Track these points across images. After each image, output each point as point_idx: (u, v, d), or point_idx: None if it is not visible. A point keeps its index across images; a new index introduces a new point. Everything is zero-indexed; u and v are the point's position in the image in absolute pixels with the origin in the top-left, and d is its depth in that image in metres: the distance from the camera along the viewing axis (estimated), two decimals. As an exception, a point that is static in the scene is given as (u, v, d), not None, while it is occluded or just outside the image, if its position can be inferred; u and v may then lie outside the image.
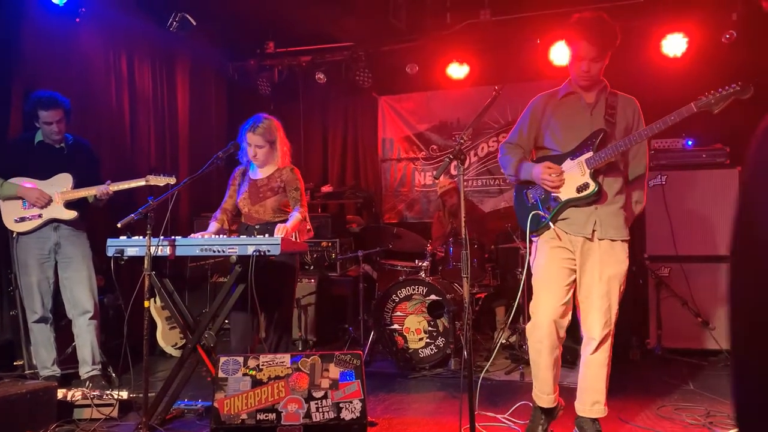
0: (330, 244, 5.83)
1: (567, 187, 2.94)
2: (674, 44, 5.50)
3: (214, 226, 3.75)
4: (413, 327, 4.74)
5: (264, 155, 3.72)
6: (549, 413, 3.12)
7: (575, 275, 2.99)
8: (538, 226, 3.03)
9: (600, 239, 2.93)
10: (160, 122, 5.98)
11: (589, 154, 2.90)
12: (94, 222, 4.21)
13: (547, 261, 3.00)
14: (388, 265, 5.36)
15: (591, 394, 3.01)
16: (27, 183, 3.97)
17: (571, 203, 2.94)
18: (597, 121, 2.96)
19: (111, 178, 4.09)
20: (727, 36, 5.33)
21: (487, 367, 3.97)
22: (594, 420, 3.05)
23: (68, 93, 4.09)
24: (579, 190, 2.91)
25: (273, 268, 3.52)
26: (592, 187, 2.87)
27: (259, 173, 3.81)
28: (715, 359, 4.73)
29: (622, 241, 2.97)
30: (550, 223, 2.98)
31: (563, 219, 2.98)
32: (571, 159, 2.96)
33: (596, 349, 2.95)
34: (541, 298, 2.99)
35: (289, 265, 3.73)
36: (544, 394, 3.06)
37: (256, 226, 3.73)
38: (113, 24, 5.35)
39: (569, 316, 3.02)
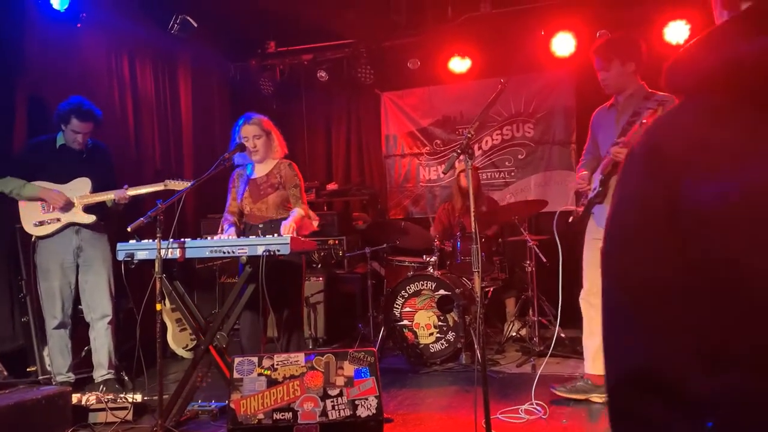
0: (337, 241, 5.83)
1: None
2: (677, 31, 5.46)
3: (233, 229, 3.70)
4: (423, 322, 4.74)
5: (263, 145, 3.73)
6: None
7: None
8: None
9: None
10: (163, 125, 5.97)
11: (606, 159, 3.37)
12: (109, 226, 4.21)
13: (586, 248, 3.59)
14: (396, 261, 5.36)
15: None
16: (48, 186, 3.95)
17: (593, 202, 3.43)
18: (618, 128, 3.30)
19: (117, 181, 4.10)
20: (731, 22, 5.29)
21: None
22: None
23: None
24: (593, 191, 3.41)
25: (279, 268, 3.52)
26: (597, 189, 3.34)
27: (258, 171, 3.82)
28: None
29: None
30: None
31: (592, 213, 3.49)
32: None
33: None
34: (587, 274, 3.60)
35: (295, 263, 3.73)
36: None
37: (260, 225, 3.71)
38: (114, 28, 5.34)
39: None
